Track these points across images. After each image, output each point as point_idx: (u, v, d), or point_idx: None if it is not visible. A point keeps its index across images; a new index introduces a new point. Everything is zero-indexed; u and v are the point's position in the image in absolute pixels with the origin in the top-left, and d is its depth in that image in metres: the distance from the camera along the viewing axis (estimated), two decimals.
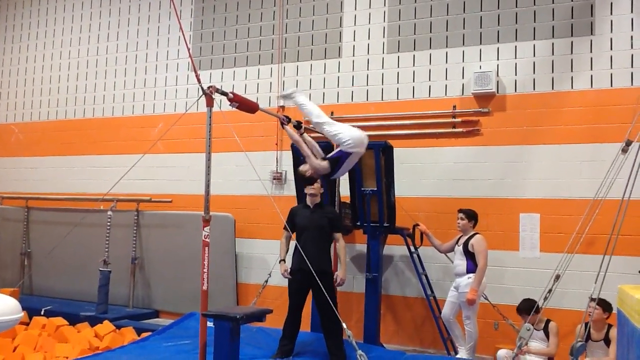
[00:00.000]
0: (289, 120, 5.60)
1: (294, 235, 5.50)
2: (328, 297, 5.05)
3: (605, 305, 5.25)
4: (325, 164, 5.23)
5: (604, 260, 4.21)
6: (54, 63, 9.98)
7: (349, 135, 5.16)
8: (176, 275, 8.12)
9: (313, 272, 4.94)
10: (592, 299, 4.86)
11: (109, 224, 8.17)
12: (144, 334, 6.66)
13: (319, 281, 4.93)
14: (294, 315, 5.52)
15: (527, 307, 5.41)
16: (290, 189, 7.53)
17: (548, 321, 5.66)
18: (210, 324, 4.81)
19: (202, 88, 4.71)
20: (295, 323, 5.53)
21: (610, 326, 5.34)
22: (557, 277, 5.24)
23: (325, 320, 5.38)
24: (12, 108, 10.32)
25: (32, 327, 7.07)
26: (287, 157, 7.51)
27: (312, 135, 7.28)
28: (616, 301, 4.40)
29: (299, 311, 5.55)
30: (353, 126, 5.37)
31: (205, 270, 4.62)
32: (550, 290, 5.23)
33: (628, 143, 5.13)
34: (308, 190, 5.62)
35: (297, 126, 5.68)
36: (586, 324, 5.02)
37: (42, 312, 7.66)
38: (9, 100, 10.36)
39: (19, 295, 7.66)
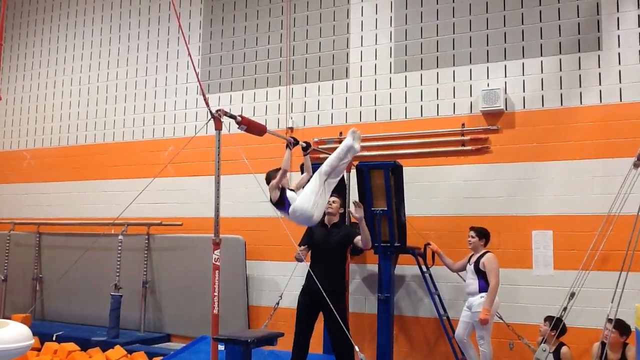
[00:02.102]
0: (296, 142, 5.60)
1: (307, 256, 5.48)
2: (338, 318, 4.99)
3: (622, 329, 5.15)
4: (276, 193, 5.01)
5: (620, 278, 4.15)
6: (64, 89, 10.10)
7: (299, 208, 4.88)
8: (187, 299, 8.09)
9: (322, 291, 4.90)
10: (609, 320, 4.78)
11: (119, 248, 8.18)
12: (156, 359, 6.63)
13: (329, 302, 4.88)
14: (303, 338, 5.41)
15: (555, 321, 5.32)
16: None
17: (560, 345, 5.56)
18: (221, 347, 4.78)
19: (210, 111, 4.74)
20: (305, 346, 5.43)
21: (626, 345, 5.25)
22: (572, 294, 5.17)
23: (336, 342, 5.32)
24: (24, 134, 10.43)
25: (44, 352, 7.07)
26: (296, 178, 7.50)
27: (318, 156, 7.31)
28: (634, 320, 4.32)
29: (307, 333, 5.44)
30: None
31: (216, 293, 4.60)
32: (565, 309, 5.16)
33: None
34: (327, 209, 5.53)
35: (305, 148, 5.67)
36: (603, 344, 4.94)
37: (54, 338, 7.66)
38: (21, 126, 10.48)
39: (30, 320, 7.68)
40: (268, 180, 5.13)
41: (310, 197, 4.77)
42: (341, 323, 5.00)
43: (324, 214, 5.56)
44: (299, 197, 4.88)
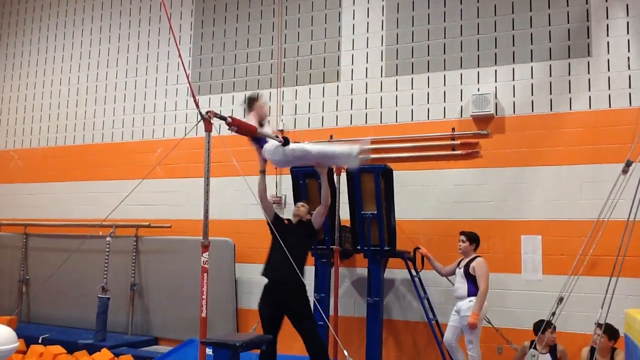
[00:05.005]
0: (287, 142, 5.57)
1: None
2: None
3: (611, 333, 5.17)
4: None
5: (610, 283, 4.16)
6: (53, 89, 10.02)
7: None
8: (175, 302, 8.03)
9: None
10: (598, 325, 4.78)
11: (107, 250, 8.11)
12: None
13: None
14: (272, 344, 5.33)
15: (539, 326, 5.33)
16: (290, 213, 7.47)
17: (555, 345, 5.60)
18: (209, 351, 4.73)
19: (200, 113, 4.70)
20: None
21: (614, 349, 5.27)
22: (561, 299, 5.18)
23: (306, 343, 5.31)
24: (12, 134, 10.33)
25: (29, 355, 6.99)
26: (287, 180, 7.50)
27: None
28: (623, 326, 4.34)
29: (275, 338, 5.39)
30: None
31: (204, 296, 4.55)
32: (554, 313, 5.17)
33: (628, 163, 5.10)
34: (294, 212, 5.80)
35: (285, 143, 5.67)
36: (592, 349, 4.95)
37: (40, 340, 7.58)
38: (9, 126, 10.38)
39: (16, 323, 7.58)
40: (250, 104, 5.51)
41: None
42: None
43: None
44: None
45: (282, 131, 7.89)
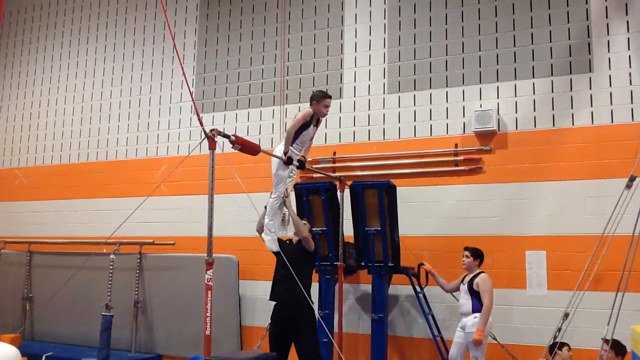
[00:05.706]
0: (291, 161, 5.60)
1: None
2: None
3: (618, 349, 5.14)
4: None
5: (617, 299, 4.15)
6: (58, 108, 10.09)
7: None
8: (179, 319, 8.01)
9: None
10: (605, 341, 4.76)
11: (111, 267, 8.09)
12: None
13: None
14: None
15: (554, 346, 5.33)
16: (293, 230, 7.48)
17: None
18: None
19: (204, 131, 4.73)
20: None
21: None
22: (566, 315, 5.16)
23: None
24: (17, 152, 10.39)
25: None
26: (290, 197, 7.50)
27: (312, 176, 7.32)
28: (630, 342, 4.31)
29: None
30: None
31: (208, 314, 4.55)
32: (560, 329, 5.15)
33: (632, 179, 5.12)
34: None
35: (300, 166, 5.70)
36: None
37: (44, 358, 7.54)
38: (14, 145, 10.44)
39: (20, 341, 7.56)
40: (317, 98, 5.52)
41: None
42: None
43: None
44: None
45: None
